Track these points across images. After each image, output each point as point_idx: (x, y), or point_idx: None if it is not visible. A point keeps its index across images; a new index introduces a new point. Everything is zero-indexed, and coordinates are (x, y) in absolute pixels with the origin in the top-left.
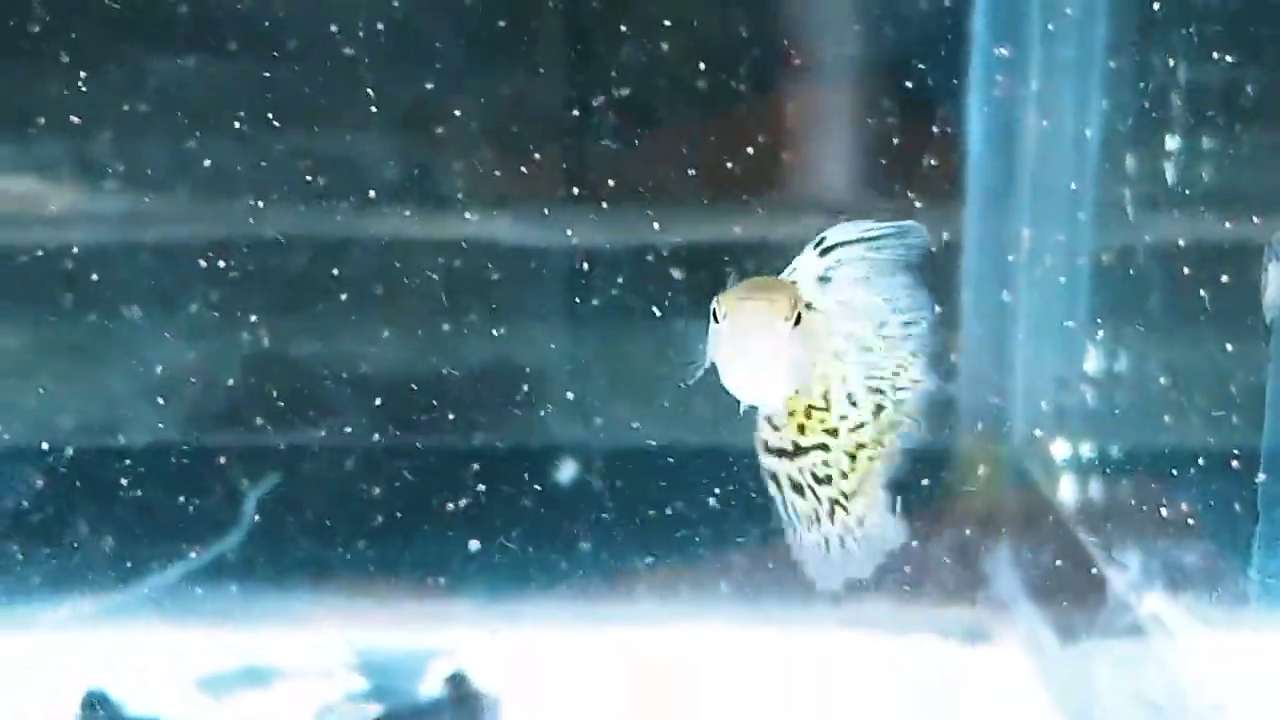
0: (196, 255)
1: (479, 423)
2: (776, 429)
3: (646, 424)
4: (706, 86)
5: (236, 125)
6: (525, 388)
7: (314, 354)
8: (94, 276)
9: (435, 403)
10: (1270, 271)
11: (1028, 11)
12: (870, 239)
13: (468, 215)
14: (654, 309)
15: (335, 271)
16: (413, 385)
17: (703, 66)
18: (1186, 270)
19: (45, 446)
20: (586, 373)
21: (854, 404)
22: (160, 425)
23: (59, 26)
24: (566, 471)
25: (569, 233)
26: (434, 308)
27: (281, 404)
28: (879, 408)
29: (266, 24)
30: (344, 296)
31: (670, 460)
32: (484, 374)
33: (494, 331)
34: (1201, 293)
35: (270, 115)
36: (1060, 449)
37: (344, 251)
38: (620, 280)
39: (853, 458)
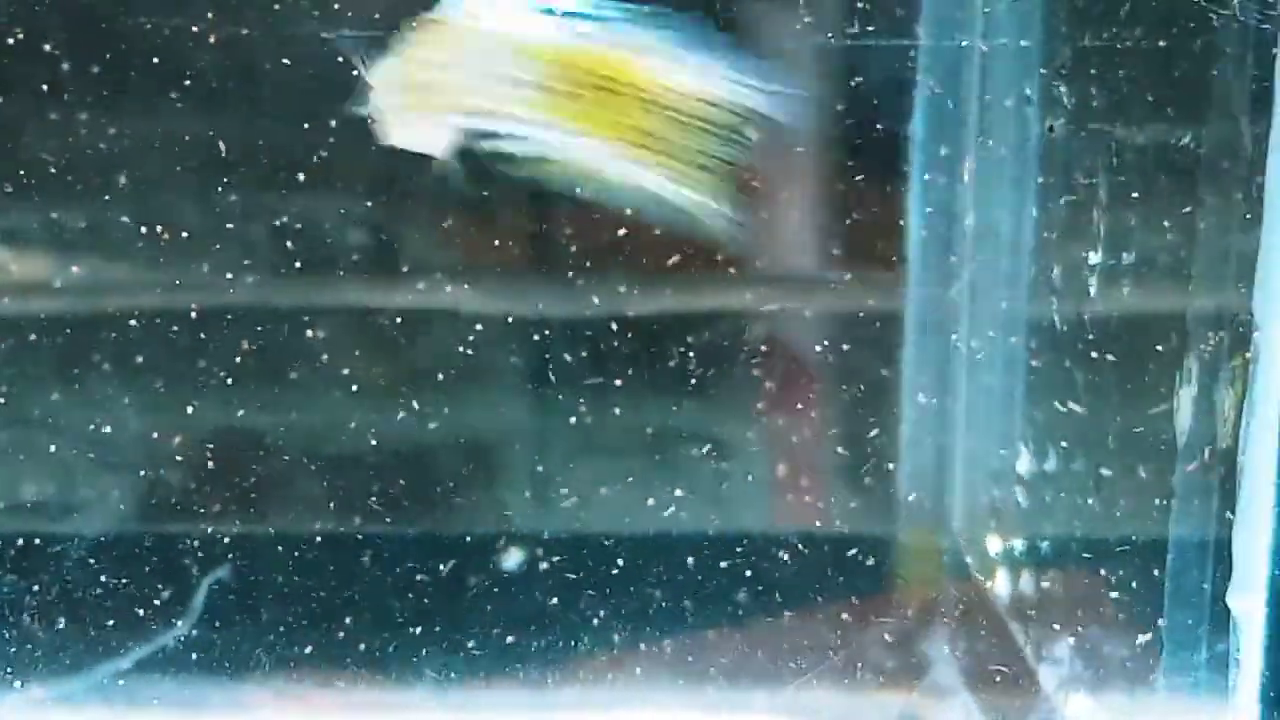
0: (151, 324)
1: (437, 504)
2: None
3: (609, 507)
4: None
5: (200, 193)
6: (485, 467)
7: (273, 431)
8: (49, 347)
9: (394, 483)
10: (1181, 396)
11: (965, 116)
12: None
13: (427, 284)
14: (617, 381)
15: (298, 343)
16: (372, 465)
17: None
18: (1112, 371)
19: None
20: (549, 450)
21: None
22: (111, 506)
23: (21, 92)
24: (522, 555)
25: (532, 303)
26: (393, 381)
27: (236, 485)
28: None
29: (235, 91)
30: (308, 368)
31: (620, 544)
32: (443, 452)
33: (453, 406)
34: (1126, 391)
35: (233, 182)
36: (994, 543)
37: (307, 322)
38: (583, 352)
39: None
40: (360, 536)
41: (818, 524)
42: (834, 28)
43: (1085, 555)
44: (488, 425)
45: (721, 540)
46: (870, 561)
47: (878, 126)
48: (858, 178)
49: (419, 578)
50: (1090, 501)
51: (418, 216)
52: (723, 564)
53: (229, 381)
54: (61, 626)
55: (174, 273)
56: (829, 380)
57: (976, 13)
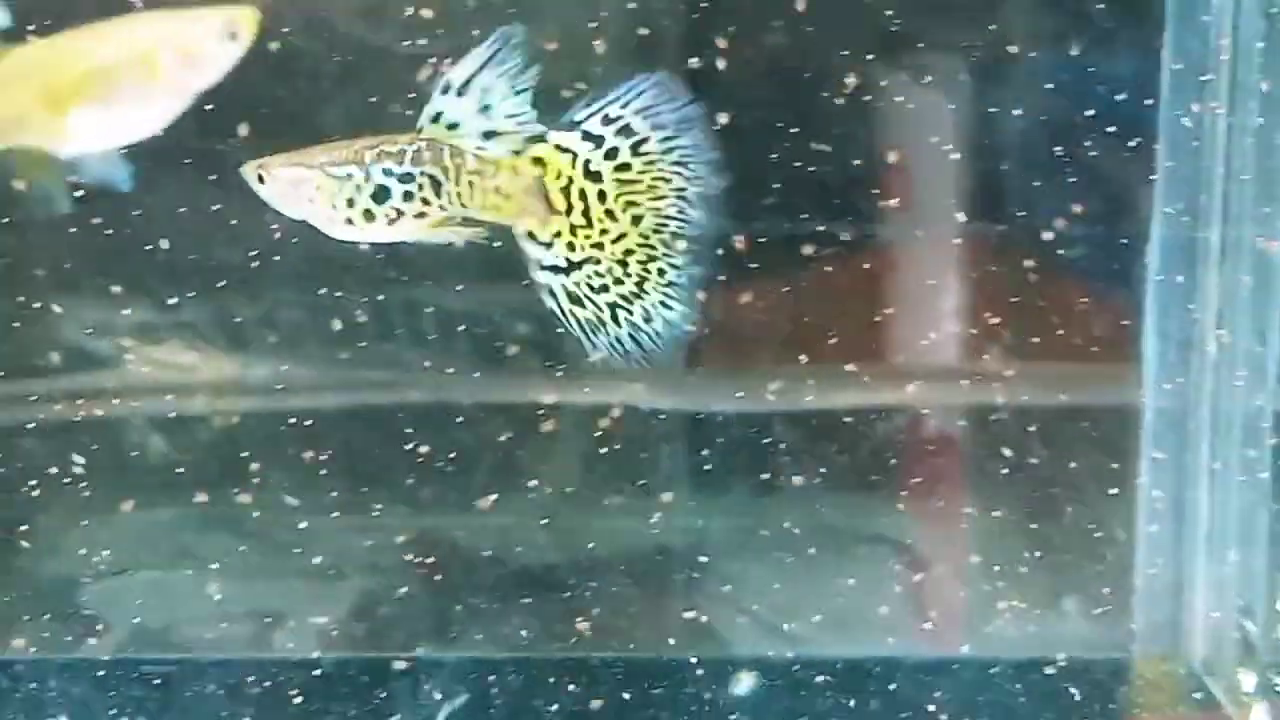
0: (333, 423)
1: (631, 622)
2: (547, 247)
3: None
4: (832, 245)
5: (375, 290)
6: (672, 578)
7: (470, 539)
8: (249, 454)
9: (589, 597)
10: None
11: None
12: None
13: (604, 379)
14: (795, 479)
15: (480, 443)
16: (569, 580)
17: (823, 223)
18: None
19: (209, 651)
20: (735, 559)
21: (613, 218)
22: (330, 628)
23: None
24: (749, 677)
25: (699, 399)
26: (577, 481)
27: (445, 600)
28: (636, 218)
29: None
30: (491, 472)
31: (836, 665)
32: (632, 562)
33: (634, 509)
34: None
35: (409, 279)
36: (1247, 674)
37: (483, 421)
38: (753, 448)
39: (624, 264)
40: (570, 655)
41: (1044, 646)
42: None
43: None
44: (691, 527)
45: (934, 664)
46: (1101, 688)
47: (1119, 233)
48: (1096, 280)
49: (636, 698)
50: None
51: None
52: (938, 688)
53: (410, 481)
54: None
55: (351, 371)
56: (1057, 491)
57: (1219, 133)
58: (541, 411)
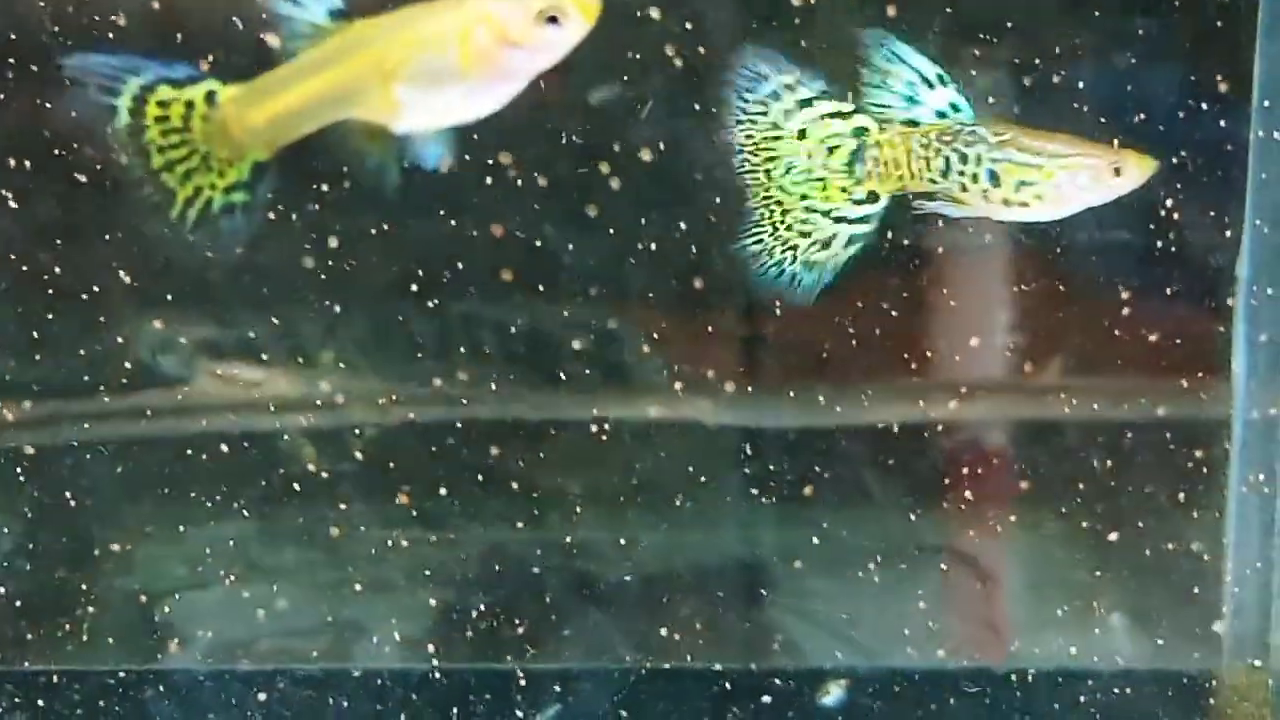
0: (396, 438)
1: (699, 633)
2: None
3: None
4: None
5: (442, 305)
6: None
7: (544, 557)
8: (316, 467)
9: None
10: None
11: None
12: None
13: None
14: (858, 492)
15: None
16: (642, 593)
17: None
18: None
19: (275, 663)
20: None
21: None
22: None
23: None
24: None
25: (754, 415)
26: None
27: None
28: None
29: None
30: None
31: (910, 675)
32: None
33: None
34: None
35: (473, 292)
36: None
37: (548, 436)
38: (808, 463)
39: None
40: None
41: (1128, 656)
42: None
43: None
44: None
45: (1022, 676)
46: (1188, 697)
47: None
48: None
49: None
50: None
51: (660, 327)
52: (1023, 700)
53: (476, 492)
54: None
55: (414, 386)
56: (1147, 499)
57: None
58: (605, 426)
